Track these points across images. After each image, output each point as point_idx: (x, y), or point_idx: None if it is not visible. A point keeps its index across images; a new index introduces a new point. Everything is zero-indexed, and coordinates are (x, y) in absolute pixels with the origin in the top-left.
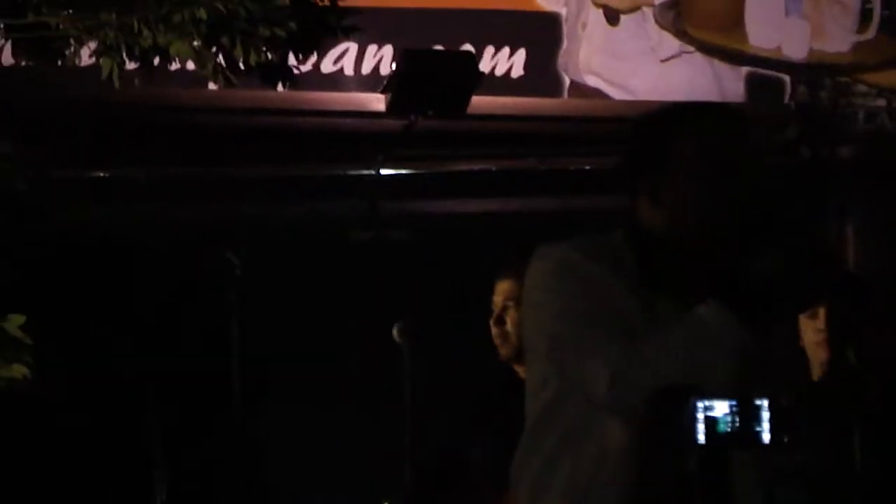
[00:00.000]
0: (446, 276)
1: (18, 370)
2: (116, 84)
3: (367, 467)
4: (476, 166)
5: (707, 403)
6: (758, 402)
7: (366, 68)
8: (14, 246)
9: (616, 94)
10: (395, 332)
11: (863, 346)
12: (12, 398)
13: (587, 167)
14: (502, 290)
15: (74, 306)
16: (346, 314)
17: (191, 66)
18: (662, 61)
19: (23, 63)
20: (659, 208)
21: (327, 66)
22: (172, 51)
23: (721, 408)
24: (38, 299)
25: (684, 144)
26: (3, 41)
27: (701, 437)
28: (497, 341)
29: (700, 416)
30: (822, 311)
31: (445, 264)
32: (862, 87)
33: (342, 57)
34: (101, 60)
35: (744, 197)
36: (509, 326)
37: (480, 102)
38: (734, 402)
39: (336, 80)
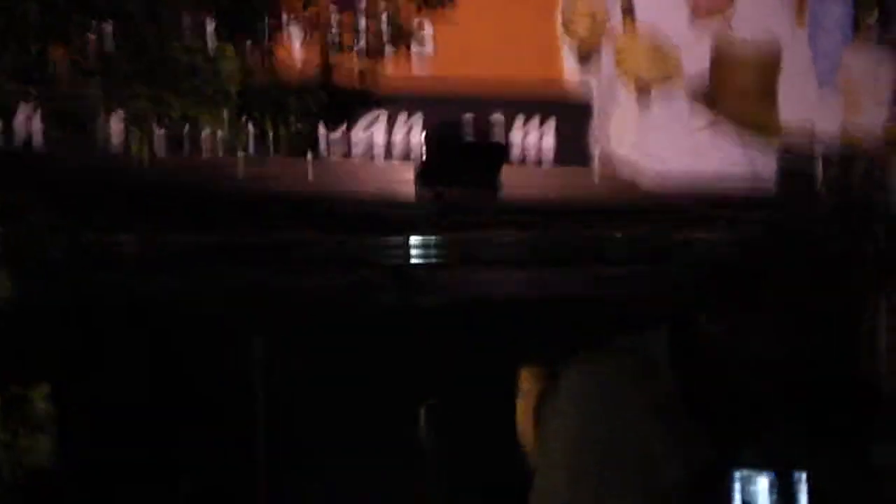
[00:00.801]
0: (476, 347)
1: (41, 442)
2: (145, 163)
3: None
4: (505, 236)
5: (746, 474)
6: (795, 477)
7: (397, 136)
8: (42, 313)
9: (649, 164)
10: (421, 416)
11: None
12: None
13: (618, 236)
14: (526, 378)
15: (100, 375)
16: (373, 384)
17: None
18: (695, 132)
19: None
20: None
21: (357, 135)
22: (202, 121)
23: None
24: (65, 367)
25: None
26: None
27: None
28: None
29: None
30: None
31: (475, 335)
32: None
33: (373, 125)
34: (129, 132)
35: None
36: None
37: (511, 172)
38: (773, 475)
39: (367, 148)
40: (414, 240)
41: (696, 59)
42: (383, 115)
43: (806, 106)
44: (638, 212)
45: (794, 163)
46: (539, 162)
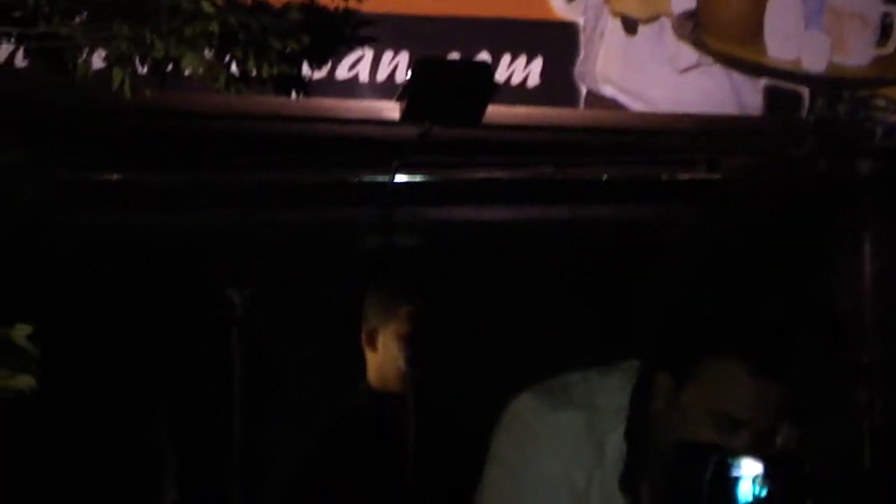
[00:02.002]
0: (459, 283)
1: (24, 381)
2: (128, 94)
3: None
4: (491, 175)
5: (734, 462)
6: (778, 466)
7: (381, 75)
8: (20, 253)
9: (633, 104)
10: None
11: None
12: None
13: (603, 177)
14: (372, 305)
15: (78, 314)
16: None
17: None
18: (680, 72)
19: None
20: (672, 412)
21: (342, 73)
22: (184, 63)
23: (749, 467)
24: (43, 306)
25: (714, 374)
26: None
27: (740, 497)
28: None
29: (735, 475)
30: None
31: (459, 272)
32: (881, 102)
33: (357, 64)
34: (112, 71)
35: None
36: (380, 351)
37: (496, 112)
38: (760, 464)
39: (351, 87)
40: (399, 178)
41: None
42: (368, 54)
43: (793, 44)
44: (624, 151)
45: (781, 99)
46: (525, 101)
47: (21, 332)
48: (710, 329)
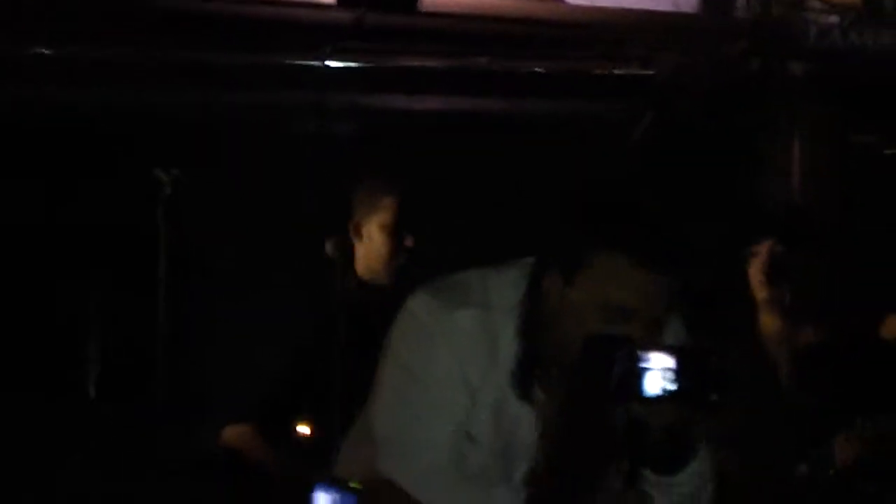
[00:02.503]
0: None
1: None
2: None
3: None
4: (426, 63)
5: (643, 355)
6: (687, 360)
7: None
8: None
9: None
10: (327, 247)
11: (800, 285)
12: None
13: (537, 70)
14: (357, 198)
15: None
16: (285, 209)
17: None
18: None
19: None
20: (562, 308)
21: None
22: None
23: (659, 360)
24: None
25: (600, 267)
26: None
27: (647, 389)
28: (357, 254)
29: (644, 366)
30: (763, 250)
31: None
32: (815, 3)
33: None
34: None
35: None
36: (365, 242)
37: None
38: (670, 357)
39: None
40: (333, 64)
41: None
42: None
43: None
44: (559, 44)
45: None
46: None
47: None
48: (593, 223)
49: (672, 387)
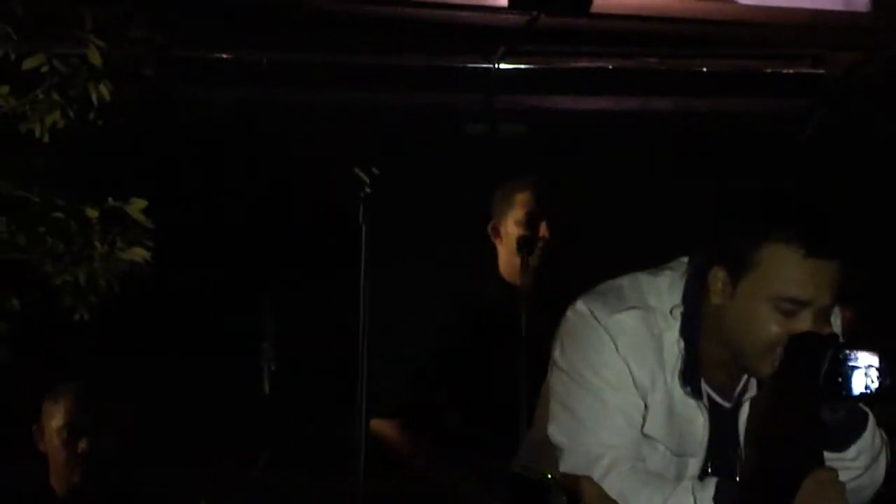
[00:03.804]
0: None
1: (139, 253)
2: None
3: None
4: (594, 64)
5: (851, 353)
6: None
7: None
8: (139, 130)
9: None
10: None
11: None
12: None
13: (705, 69)
14: (496, 198)
15: (196, 190)
16: (457, 210)
17: None
18: None
19: None
20: (731, 305)
21: None
22: None
23: (864, 359)
24: (160, 182)
25: (770, 261)
26: None
27: (854, 387)
28: (499, 254)
29: (851, 365)
30: None
31: (559, 161)
32: None
33: None
34: None
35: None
36: (504, 241)
37: (603, 1)
38: (877, 356)
39: None
40: (504, 66)
41: None
42: None
43: None
44: (729, 43)
45: None
46: None
47: (136, 206)
48: (759, 218)
49: (875, 384)
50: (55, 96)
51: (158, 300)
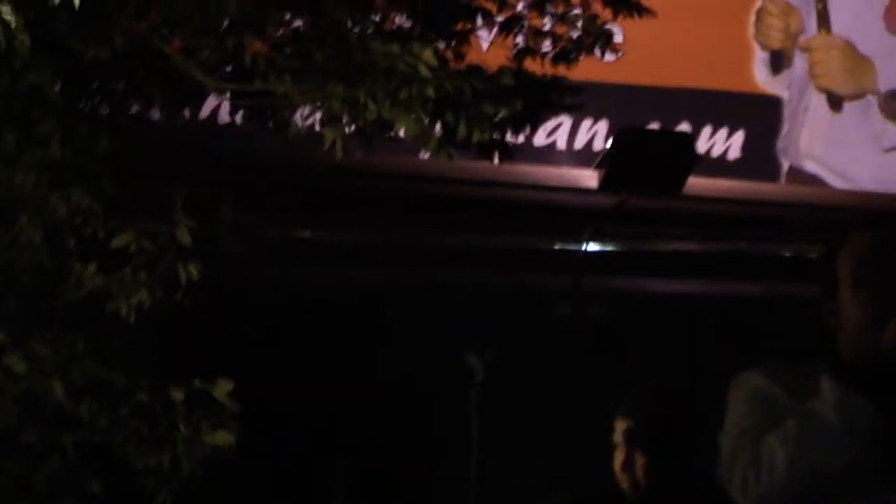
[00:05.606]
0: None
1: (222, 437)
2: (339, 154)
3: None
4: (683, 247)
5: None
6: None
7: (579, 143)
8: (226, 309)
9: (836, 181)
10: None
11: None
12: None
13: (797, 254)
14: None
15: (292, 372)
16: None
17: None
18: (885, 151)
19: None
20: (839, 337)
21: (540, 139)
22: (398, 125)
23: None
24: (246, 363)
25: (843, 268)
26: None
27: None
28: (624, 486)
29: None
30: None
31: (645, 345)
32: None
33: (556, 130)
34: (325, 130)
35: None
36: (639, 474)
37: (695, 183)
38: None
39: (548, 154)
40: (593, 247)
41: (891, 75)
42: (567, 121)
43: None
44: (824, 228)
45: None
46: (725, 173)
47: (222, 389)
48: None
49: None
50: (143, 275)
51: (244, 483)
